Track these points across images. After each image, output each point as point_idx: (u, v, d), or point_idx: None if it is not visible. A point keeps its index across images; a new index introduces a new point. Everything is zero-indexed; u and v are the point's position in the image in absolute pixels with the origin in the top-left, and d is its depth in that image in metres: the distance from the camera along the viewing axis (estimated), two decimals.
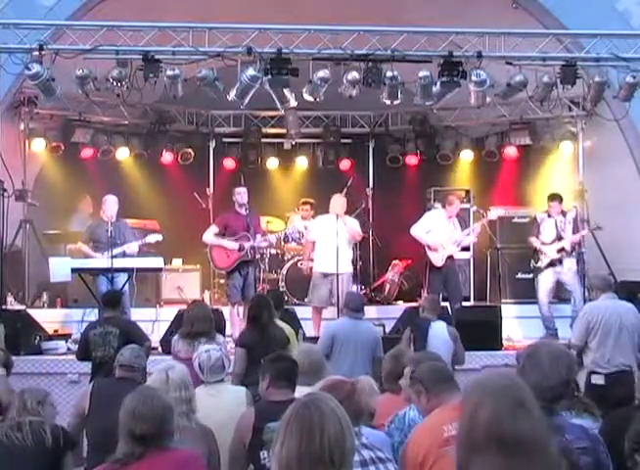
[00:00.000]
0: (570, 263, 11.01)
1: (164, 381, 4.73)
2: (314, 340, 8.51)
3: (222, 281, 12.08)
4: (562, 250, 10.95)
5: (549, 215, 11.09)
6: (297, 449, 2.61)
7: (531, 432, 2.67)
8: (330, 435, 2.62)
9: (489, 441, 2.65)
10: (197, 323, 7.18)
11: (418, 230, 11.10)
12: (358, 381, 4.09)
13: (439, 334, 8.31)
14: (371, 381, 4.22)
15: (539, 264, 11.03)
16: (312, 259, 10.94)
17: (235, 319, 10.46)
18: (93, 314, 10.13)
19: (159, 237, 10.92)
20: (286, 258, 12.62)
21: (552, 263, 10.96)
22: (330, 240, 10.50)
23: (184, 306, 9.91)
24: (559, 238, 10.98)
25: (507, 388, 2.76)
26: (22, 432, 4.65)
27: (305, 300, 11.70)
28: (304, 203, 12.97)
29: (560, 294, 11.48)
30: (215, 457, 4.75)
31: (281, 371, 5.02)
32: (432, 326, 8.39)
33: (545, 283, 11.01)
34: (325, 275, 10.65)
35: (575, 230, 11.04)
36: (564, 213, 11.09)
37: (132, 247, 10.58)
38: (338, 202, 10.80)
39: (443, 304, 10.81)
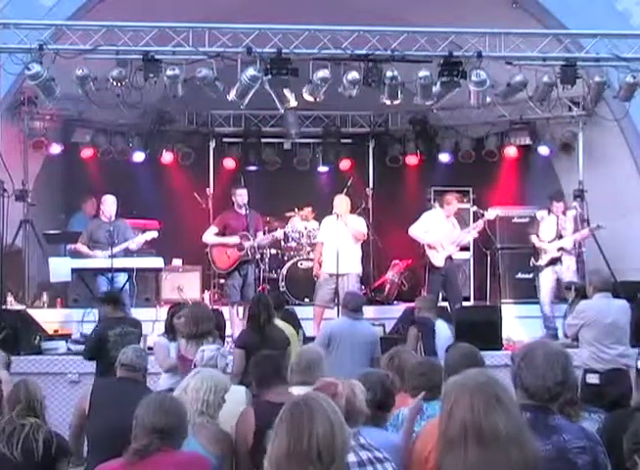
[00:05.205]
0: (569, 262, 11.02)
1: (200, 380, 4.84)
2: (314, 340, 8.51)
3: (222, 281, 12.08)
4: (561, 248, 10.96)
5: (549, 214, 11.10)
6: (286, 448, 2.67)
7: (507, 426, 2.75)
8: (318, 434, 2.67)
9: (466, 434, 2.73)
10: (202, 324, 7.15)
11: (416, 230, 11.10)
12: (344, 383, 4.10)
13: (443, 333, 8.34)
14: (358, 383, 4.23)
15: (539, 263, 11.04)
16: (321, 261, 10.96)
17: (235, 319, 10.46)
18: (92, 314, 10.13)
19: (155, 234, 10.94)
20: (286, 258, 12.62)
21: (552, 262, 10.97)
22: (333, 241, 10.52)
23: None
24: (559, 237, 11.00)
25: (483, 384, 2.86)
26: (11, 441, 4.59)
27: (306, 300, 11.73)
28: (307, 205, 13.05)
29: (560, 293, 11.47)
30: (228, 462, 4.76)
31: (265, 373, 5.19)
32: (435, 325, 8.43)
33: (546, 282, 11.02)
34: (330, 275, 10.66)
35: (576, 229, 11.04)
36: (564, 212, 11.10)
37: (136, 241, 10.59)
38: (339, 202, 10.83)
39: (443, 304, 10.86)
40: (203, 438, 4.54)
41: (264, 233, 11.23)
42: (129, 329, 7.58)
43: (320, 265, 10.99)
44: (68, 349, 9.69)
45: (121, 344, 7.44)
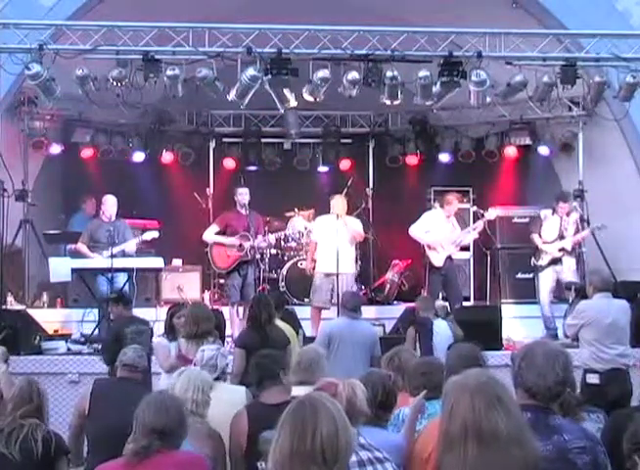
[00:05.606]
0: (569, 263, 11.02)
1: (187, 380, 4.82)
2: (313, 340, 8.51)
3: (222, 281, 12.09)
4: (562, 249, 10.96)
5: (554, 214, 11.10)
6: (289, 447, 2.66)
7: (507, 426, 2.75)
8: (322, 434, 2.66)
9: (466, 434, 2.73)
10: (202, 324, 7.13)
11: (416, 230, 11.10)
12: (344, 383, 4.10)
13: (443, 332, 8.35)
14: (358, 383, 4.24)
15: (540, 262, 11.03)
16: (315, 260, 10.95)
17: (235, 319, 10.46)
18: (92, 314, 10.14)
19: (155, 234, 10.95)
20: (286, 258, 12.62)
21: (553, 262, 10.97)
22: (331, 240, 10.52)
23: None
24: (561, 237, 10.99)
25: (484, 384, 2.86)
26: (10, 441, 4.59)
27: (306, 300, 11.72)
28: (307, 205, 13.06)
29: (560, 293, 11.48)
30: (221, 461, 4.75)
31: (260, 374, 5.18)
32: (434, 325, 8.44)
33: (546, 282, 11.02)
34: (327, 275, 10.65)
35: (577, 231, 11.04)
36: (568, 214, 11.09)
37: (130, 245, 10.61)
38: (338, 202, 10.83)
39: (444, 303, 10.84)
40: (194, 438, 4.50)
41: (264, 234, 11.22)
42: (142, 327, 7.57)
43: (314, 264, 10.97)
44: (68, 349, 9.69)
45: (137, 342, 7.41)
